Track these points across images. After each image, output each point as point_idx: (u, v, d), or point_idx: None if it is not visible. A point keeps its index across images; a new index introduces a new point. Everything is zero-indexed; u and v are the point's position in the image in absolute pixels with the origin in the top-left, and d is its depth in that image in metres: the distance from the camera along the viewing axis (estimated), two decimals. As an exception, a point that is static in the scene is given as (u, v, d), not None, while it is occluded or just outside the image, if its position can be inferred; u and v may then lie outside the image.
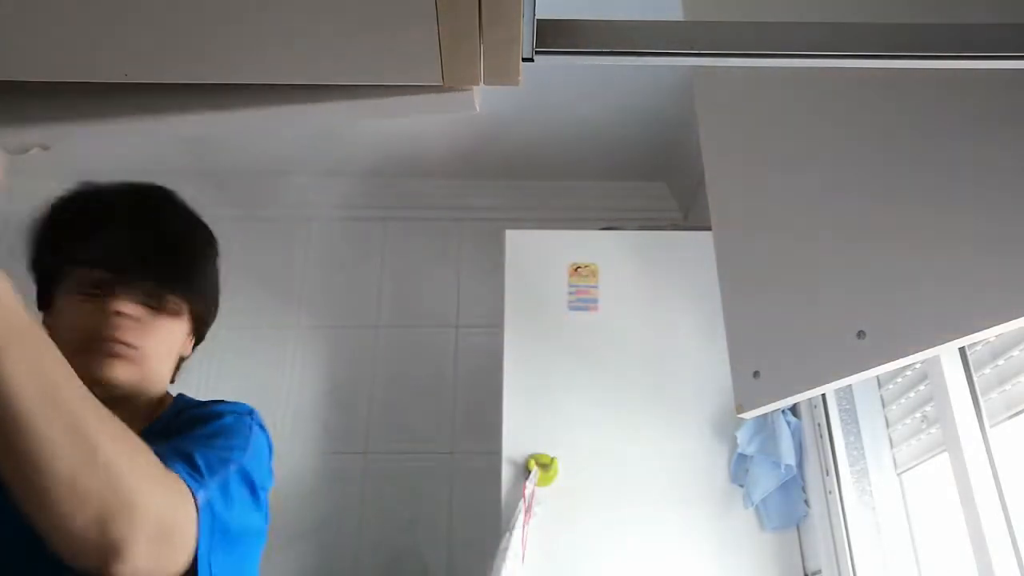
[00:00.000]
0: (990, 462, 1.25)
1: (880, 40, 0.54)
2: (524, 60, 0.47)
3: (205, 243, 1.03)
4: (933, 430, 1.42)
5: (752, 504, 1.75)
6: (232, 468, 0.83)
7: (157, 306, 0.93)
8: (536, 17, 0.47)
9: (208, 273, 1.03)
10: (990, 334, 0.78)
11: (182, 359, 1.04)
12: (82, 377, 0.67)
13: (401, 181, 2.71)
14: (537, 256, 2.00)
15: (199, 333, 1.05)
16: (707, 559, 1.72)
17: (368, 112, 0.49)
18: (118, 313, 0.89)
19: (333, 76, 0.46)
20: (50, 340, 0.65)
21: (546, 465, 1.75)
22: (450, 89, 0.47)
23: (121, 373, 0.88)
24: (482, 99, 0.49)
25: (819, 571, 1.67)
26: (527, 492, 1.70)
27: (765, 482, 1.73)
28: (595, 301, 1.94)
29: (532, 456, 1.77)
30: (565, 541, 1.72)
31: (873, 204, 0.92)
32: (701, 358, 1.87)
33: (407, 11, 0.41)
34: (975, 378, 1.31)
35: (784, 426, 1.75)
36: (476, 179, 2.70)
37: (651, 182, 2.72)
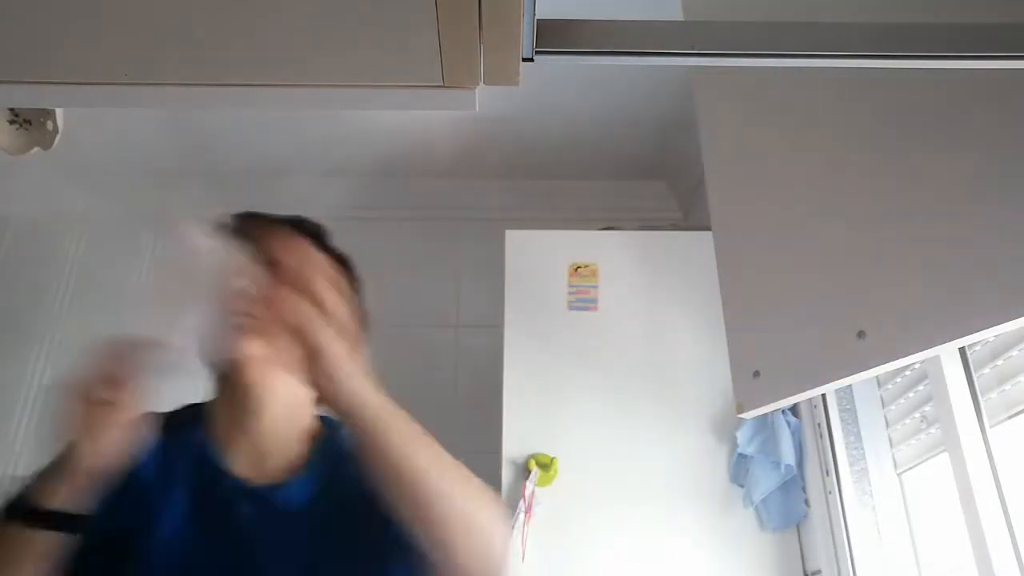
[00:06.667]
0: (990, 462, 1.25)
1: (880, 40, 0.54)
2: (524, 60, 0.47)
3: None
4: (933, 430, 1.42)
5: (752, 504, 1.75)
6: None
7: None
8: (536, 17, 0.46)
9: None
10: (990, 334, 0.78)
11: None
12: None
13: (401, 181, 2.71)
14: (537, 256, 2.00)
15: None
16: (707, 559, 1.72)
17: (365, 101, 0.49)
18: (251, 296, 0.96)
19: (332, 76, 0.46)
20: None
21: (546, 465, 1.75)
22: (450, 87, 0.47)
23: (257, 349, 0.91)
24: (483, 99, 0.49)
25: (819, 571, 1.67)
26: (527, 492, 1.70)
27: (765, 482, 1.73)
28: (595, 301, 1.94)
29: (532, 456, 1.77)
30: (565, 541, 1.72)
31: (873, 204, 0.92)
32: (701, 358, 1.87)
33: (407, 11, 0.41)
34: (975, 378, 1.31)
35: (784, 426, 1.75)
36: (476, 179, 2.70)
37: (651, 182, 2.72)
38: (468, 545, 0.77)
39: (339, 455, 0.93)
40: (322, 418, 1.00)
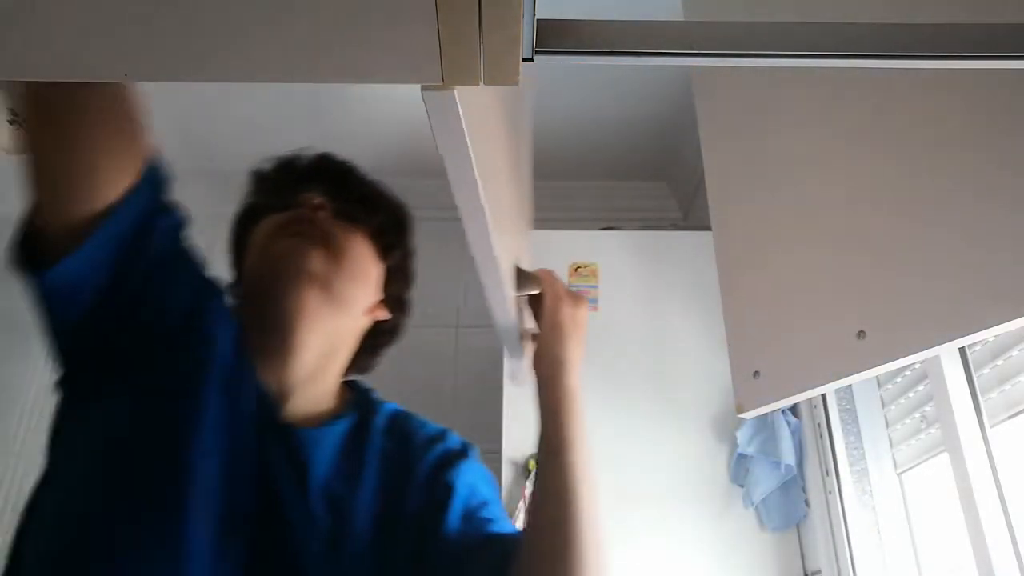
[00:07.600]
0: (990, 462, 1.25)
1: (880, 40, 0.54)
2: (524, 60, 0.47)
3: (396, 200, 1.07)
4: (933, 430, 1.42)
5: (752, 504, 1.75)
6: None
7: (349, 214, 0.92)
8: (536, 17, 0.46)
9: (395, 220, 1.05)
10: (990, 334, 0.78)
11: (371, 345, 0.99)
12: (279, 275, 0.79)
13: (401, 181, 2.70)
14: (537, 256, 2.00)
15: (392, 300, 0.99)
16: (707, 559, 1.72)
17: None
18: (317, 207, 0.88)
19: (331, 75, 0.46)
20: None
21: (546, 465, 1.75)
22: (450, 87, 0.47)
23: (317, 261, 0.83)
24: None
25: (819, 571, 1.67)
26: (527, 492, 1.70)
27: (765, 482, 1.73)
28: (595, 301, 1.94)
29: (532, 456, 1.76)
30: (565, 541, 1.72)
31: (873, 204, 0.92)
32: (701, 358, 1.87)
33: (406, 10, 0.41)
34: (975, 378, 1.31)
35: (784, 426, 1.75)
36: (476, 179, 2.70)
37: (651, 182, 2.73)
38: None
39: (378, 426, 0.88)
40: (352, 382, 0.96)
